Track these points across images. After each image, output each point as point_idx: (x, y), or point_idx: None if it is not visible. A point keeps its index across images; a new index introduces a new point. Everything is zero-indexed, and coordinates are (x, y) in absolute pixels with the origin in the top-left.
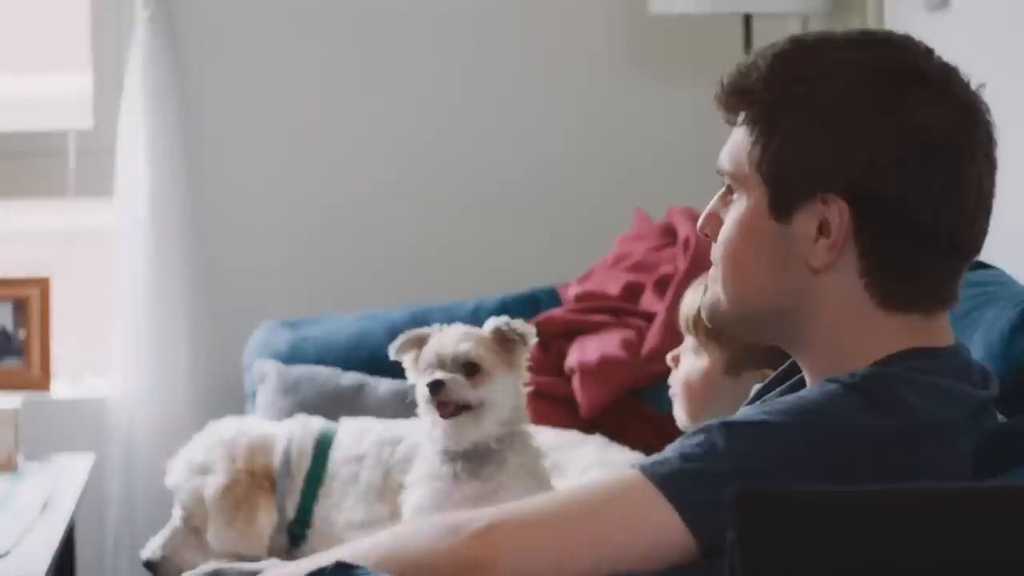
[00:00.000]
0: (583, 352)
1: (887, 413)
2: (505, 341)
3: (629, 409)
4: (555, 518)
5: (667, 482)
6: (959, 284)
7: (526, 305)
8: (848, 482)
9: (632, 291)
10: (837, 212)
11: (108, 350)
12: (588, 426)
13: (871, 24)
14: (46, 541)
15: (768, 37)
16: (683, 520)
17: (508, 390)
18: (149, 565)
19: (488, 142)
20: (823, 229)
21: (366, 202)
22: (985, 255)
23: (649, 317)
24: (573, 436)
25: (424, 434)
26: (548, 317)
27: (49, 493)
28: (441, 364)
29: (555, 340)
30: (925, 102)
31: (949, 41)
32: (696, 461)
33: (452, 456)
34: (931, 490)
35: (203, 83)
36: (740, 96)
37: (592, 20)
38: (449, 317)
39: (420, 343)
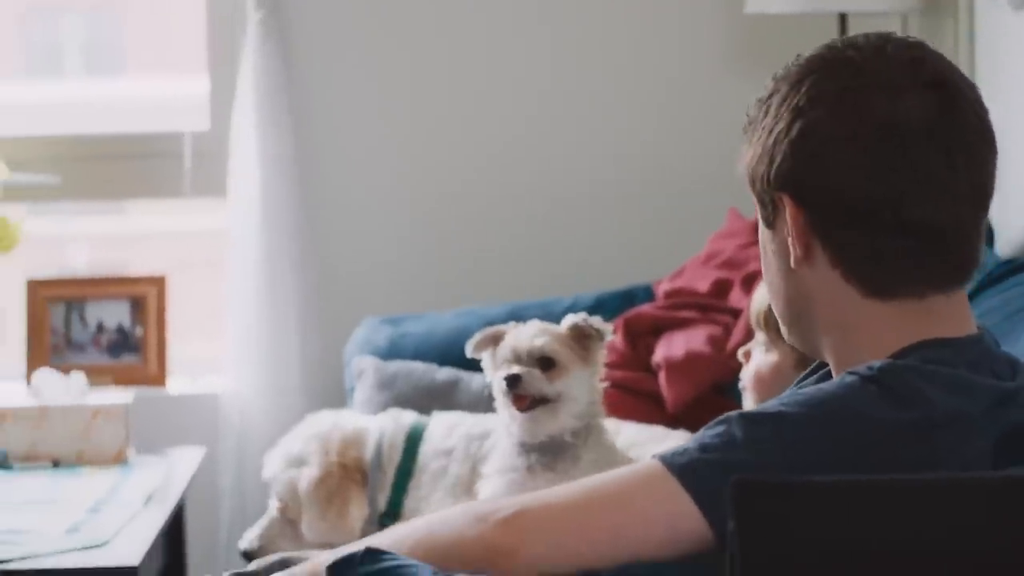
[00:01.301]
0: (669, 348)
1: (903, 405)
2: (582, 337)
3: (714, 404)
4: (577, 507)
5: (685, 472)
6: (953, 265)
7: (622, 301)
8: (864, 473)
9: (721, 287)
10: (789, 209)
11: (222, 347)
12: (674, 421)
13: (963, 23)
14: (146, 532)
15: None
16: (699, 509)
17: (583, 385)
18: (247, 555)
19: (585, 141)
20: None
21: (468, 201)
22: None
23: (736, 313)
24: (658, 431)
25: (501, 427)
26: (636, 313)
27: (156, 486)
28: (517, 359)
29: (643, 336)
30: (854, 90)
31: None
32: (714, 451)
33: (528, 448)
34: (929, 480)
35: (312, 85)
36: (747, 119)
37: (688, 19)
38: (545, 313)
39: (496, 341)
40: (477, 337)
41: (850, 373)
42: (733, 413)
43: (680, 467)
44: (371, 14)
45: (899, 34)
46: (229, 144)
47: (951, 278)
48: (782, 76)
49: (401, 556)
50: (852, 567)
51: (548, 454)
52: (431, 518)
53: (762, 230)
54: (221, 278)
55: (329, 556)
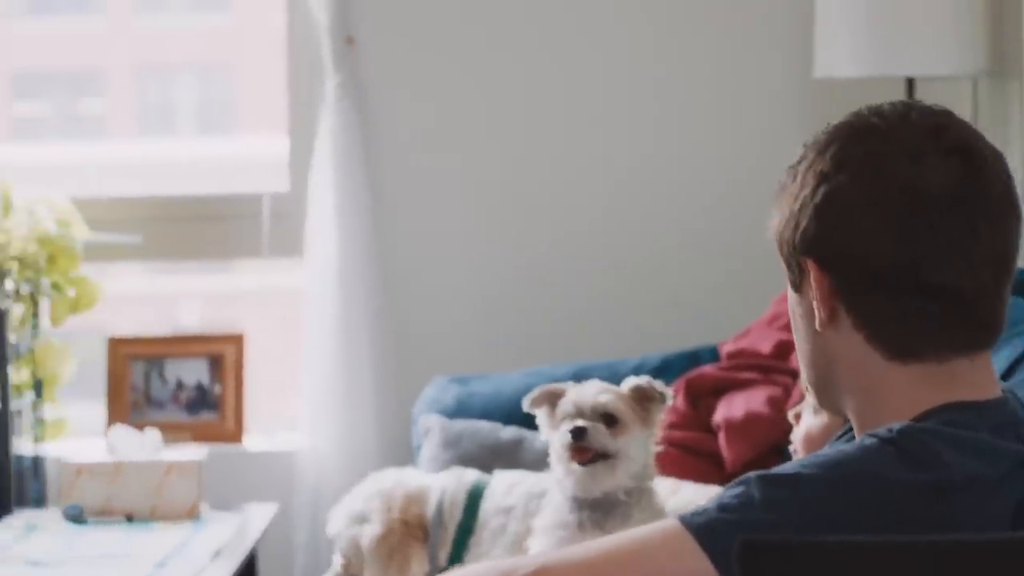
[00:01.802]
0: (729, 408)
1: (920, 467)
2: (644, 399)
3: (773, 465)
4: (597, 563)
5: (703, 531)
6: (974, 329)
7: (688, 362)
8: (880, 534)
9: (783, 349)
10: (814, 273)
11: (298, 405)
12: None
13: None
14: None
15: (931, 100)
16: (716, 568)
17: (641, 445)
18: None
19: (654, 204)
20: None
21: (538, 264)
22: None
23: (797, 374)
24: (716, 491)
25: (555, 483)
26: (698, 374)
27: (226, 542)
28: (580, 413)
29: (704, 397)
30: (878, 156)
31: None
32: (732, 512)
33: (580, 504)
34: (933, 541)
35: (389, 147)
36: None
37: (757, 84)
38: (612, 374)
39: (554, 398)
40: (536, 392)
41: (869, 435)
42: (752, 474)
43: (698, 526)
44: (448, 76)
45: (925, 103)
46: (306, 204)
47: (974, 342)
48: (811, 143)
49: None
50: None
51: (600, 511)
52: (459, 574)
53: (791, 294)
54: (299, 337)
55: None
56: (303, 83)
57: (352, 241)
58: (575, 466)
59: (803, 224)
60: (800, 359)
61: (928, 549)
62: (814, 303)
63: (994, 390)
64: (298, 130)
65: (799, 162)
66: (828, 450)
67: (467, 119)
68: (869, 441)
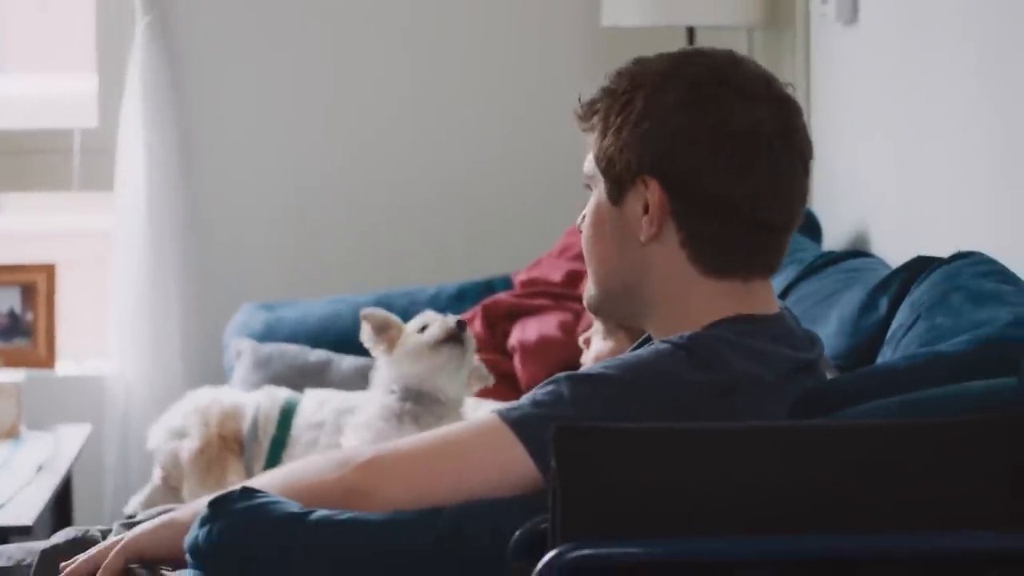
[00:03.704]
0: (523, 332)
1: (708, 369)
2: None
3: None
4: (424, 455)
5: (518, 424)
6: (775, 256)
7: (482, 291)
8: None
9: (573, 278)
10: (653, 192)
11: (108, 333)
12: None
13: (799, 35)
14: (38, 497)
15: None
16: (531, 456)
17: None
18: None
19: (449, 142)
20: (646, 208)
21: (339, 197)
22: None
23: None
24: None
25: (379, 380)
26: (494, 301)
27: (46, 458)
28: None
29: (500, 322)
30: (723, 97)
31: (858, 51)
32: (544, 407)
33: (405, 396)
34: (714, 428)
35: (196, 85)
36: (589, 107)
37: (547, 30)
38: (411, 301)
39: (386, 325)
40: (372, 319)
41: (663, 341)
42: (562, 374)
43: (514, 420)
44: (252, 19)
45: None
46: (117, 140)
47: (773, 266)
48: (640, 72)
49: (273, 494)
50: (654, 499)
51: (421, 404)
52: (298, 464)
53: (602, 206)
54: (108, 274)
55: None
56: (111, 22)
57: (160, 174)
58: (433, 348)
59: (651, 148)
60: (598, 267)
61: (712, 434)
62: (643, 218)
63: (775, 307)
64: (107, 68)
65: (631, 88)
66: (629, 354)
67: (271, 58)
68: (663, 346)
